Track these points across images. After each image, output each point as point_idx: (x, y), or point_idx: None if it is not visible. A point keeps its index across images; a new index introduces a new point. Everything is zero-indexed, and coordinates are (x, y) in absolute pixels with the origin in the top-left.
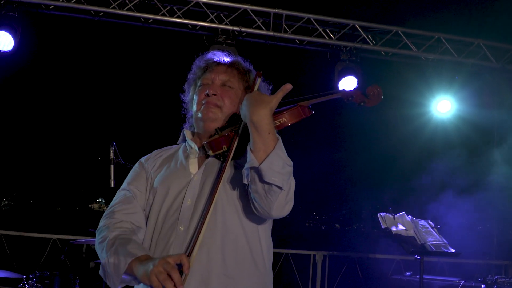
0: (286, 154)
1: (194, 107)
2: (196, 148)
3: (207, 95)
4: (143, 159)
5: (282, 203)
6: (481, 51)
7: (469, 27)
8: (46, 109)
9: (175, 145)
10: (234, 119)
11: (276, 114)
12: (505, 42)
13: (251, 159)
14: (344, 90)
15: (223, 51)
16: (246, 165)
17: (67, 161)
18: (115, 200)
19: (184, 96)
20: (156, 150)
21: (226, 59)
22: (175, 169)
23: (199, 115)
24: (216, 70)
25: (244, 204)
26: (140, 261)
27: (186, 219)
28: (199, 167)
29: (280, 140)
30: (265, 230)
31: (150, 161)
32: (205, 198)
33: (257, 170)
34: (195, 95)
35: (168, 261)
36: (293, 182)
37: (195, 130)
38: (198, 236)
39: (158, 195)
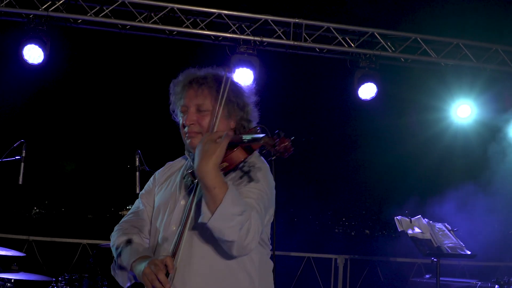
0: (237, 201)
1: (181, 132)
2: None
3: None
4: (157, 172)
5: (240, 247)
6: (499, 56)
7: (487, 32)
8: (76, 120)
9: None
10: None
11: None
12: None
13: (203, 212)
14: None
15: (193, 68)
16: (200, 218)
17: (97, 169)
18: (132, 208)
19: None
20: (168, 163)
21: (194, 77)
22: (169, 192)
23: (187, 142)
24: (188, 95)
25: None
26: (138, 262)
27: (172, 243)
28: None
29: (230, 189)
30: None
31: (159, 176)
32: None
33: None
34: (180, 119)
35: (156, 263)
36: (253, 224)
37: None
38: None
39: (154, 218)
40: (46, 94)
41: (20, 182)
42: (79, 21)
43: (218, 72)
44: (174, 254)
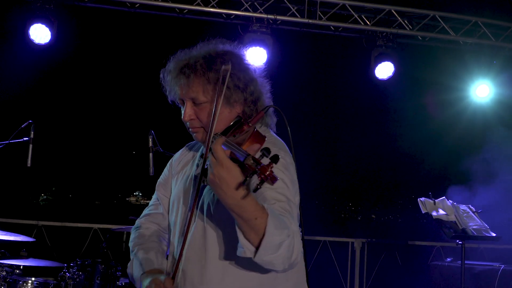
0: (279, 224)
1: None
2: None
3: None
4: (174, 158)
5: (289, 266)
6: None
7: (506, 11)
8: (84, 100)
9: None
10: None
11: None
12: None
13: (244, 246)
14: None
15: (183, 51)
16: (239, 251)
17: (105, 154)
18: (152, 199)
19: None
20: (188, 145)
21: (182, 65)
22: (183, 186)
23: (193, 136)
24: (180, 87)
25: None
26: (145, 276)
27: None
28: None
29: (270, 215)
30: None
31: (176, 163)
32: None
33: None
34: (181, 110)
35: (157, 283)
36: (296, 238)
37: None
38: (179, 261)
39: (170, 212)
40: (53, 75)
41: (29, 164)
42: None
43: (210, 50)
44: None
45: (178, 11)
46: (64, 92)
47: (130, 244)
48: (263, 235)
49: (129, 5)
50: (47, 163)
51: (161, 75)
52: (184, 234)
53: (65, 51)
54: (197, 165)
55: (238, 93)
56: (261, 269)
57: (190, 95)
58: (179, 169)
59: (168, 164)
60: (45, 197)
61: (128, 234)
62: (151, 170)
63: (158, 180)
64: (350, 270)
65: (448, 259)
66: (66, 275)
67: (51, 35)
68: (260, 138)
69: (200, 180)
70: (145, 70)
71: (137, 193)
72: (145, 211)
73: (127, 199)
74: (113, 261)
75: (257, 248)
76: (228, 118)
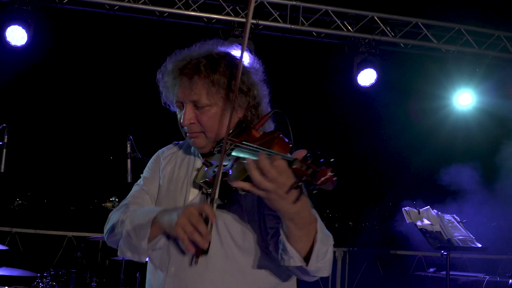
0: (324, 229)
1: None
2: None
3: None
4: (162, 155)
5: (329, 273)
6: (501, 42)
7: (489, 18)
8: (61, 104)
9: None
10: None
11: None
12: None
13: (293, 255)
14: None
15: (182, 50)
16: (287, 262)
17: (81, 158)
18: (131, 193)
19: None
20: (174, 144)
21: (183, 65)
22: (173, 193)
23: (190, 142)
24: (180, 89)
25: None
26: (164, 213)
27: (177, 258)
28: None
29: (318, 219)
30: None
31: (165, 161)
32: None
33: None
34: (177, 114)
35: (193, 212)
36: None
37: None
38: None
39: None
40: (29, 77)
41: (2, 170)
42: (64, 1)
43: (211, 51)
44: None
45: (158, 14)
46: (40, 95)
47: (119, 218)
48: (314, 241)
49: (108, 7)
50: (22, 167)
51: (158, 76)
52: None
53: (41, 53)
54: (197, 170)
55: (242, 97)
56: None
57: (192, 97)
58: (169, 170)
59: (154, 159)
60: (20, 202)
61: (104, 243)
62: (129, 177)
63: (144, 176)
64: (331, 280)
65: (431, 270)
66: (40, 285)
67: (28, 37)
68: (286, 145)
69: (212, 200)
70: (124, 74)
71: (113, 199)
72: (124, 202)
73: (103, 205)
74: (88, 271)
75: (307, 255)
76: (227, 123)
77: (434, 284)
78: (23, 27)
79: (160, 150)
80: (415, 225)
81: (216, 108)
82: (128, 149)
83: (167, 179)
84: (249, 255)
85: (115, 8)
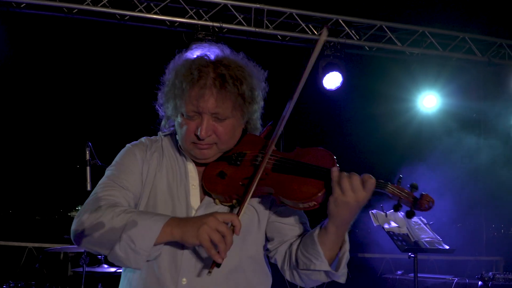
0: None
1: (181, 135)
2: (197, 177)
3: (198, 137)
4: (136, 149)
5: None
6: (466, 44)
7: (454, 20)
8: (18, 110)
9: (158, 137)
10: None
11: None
12: (490, 35)
13: (322, 260)
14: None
15: (209, 44)
16: (316, 266)
17: (45, 166)
18: (103, 190)
19: (160, 105)
20: (148, 139)
21: (216, 73)
22: (170, 197)
23: (191, 153)
24: (204, 98)
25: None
26: (175, 219)
27: (189, 270)
28: (200, 199)
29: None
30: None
31: (149, 154)
32: None
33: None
34: (180, 119)
35: (221, 222)
36: None
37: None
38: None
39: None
40: None
41: None
42: (22, 5)
43: (237, 62)
44: None
45: (118, 17)
46: None
47: (94, 222)
48: (341, 247)
49: (66, 10)
50: None
51: (169, 76)
52: None
53: None
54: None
55: (251, 105)
56: None
57: (216, 109)
58: (155, 165)
59: (128, 153)
60: None
61: (65, 254)
62: (89, 185)
63: (115, 171)
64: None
65: (399, 272)
66: None
67: None
68: (323, 155)
69: (239, 211)
70: (83, 79)
71: (79, 208)
72: (93, 196)
73: (69, 214)
74: (48, 283)
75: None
76: (239, 134)
77: (402, 286)
78: None
79: (132, 145)
80: (383, 227)
81: (234, 120)
82: (87, 156)
83: (166, 182)
84: (256, 264)
85: (74, 11)
